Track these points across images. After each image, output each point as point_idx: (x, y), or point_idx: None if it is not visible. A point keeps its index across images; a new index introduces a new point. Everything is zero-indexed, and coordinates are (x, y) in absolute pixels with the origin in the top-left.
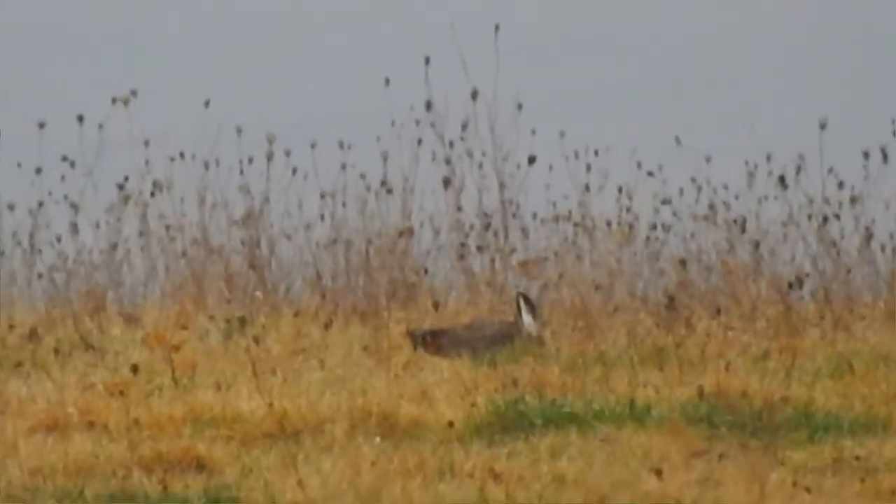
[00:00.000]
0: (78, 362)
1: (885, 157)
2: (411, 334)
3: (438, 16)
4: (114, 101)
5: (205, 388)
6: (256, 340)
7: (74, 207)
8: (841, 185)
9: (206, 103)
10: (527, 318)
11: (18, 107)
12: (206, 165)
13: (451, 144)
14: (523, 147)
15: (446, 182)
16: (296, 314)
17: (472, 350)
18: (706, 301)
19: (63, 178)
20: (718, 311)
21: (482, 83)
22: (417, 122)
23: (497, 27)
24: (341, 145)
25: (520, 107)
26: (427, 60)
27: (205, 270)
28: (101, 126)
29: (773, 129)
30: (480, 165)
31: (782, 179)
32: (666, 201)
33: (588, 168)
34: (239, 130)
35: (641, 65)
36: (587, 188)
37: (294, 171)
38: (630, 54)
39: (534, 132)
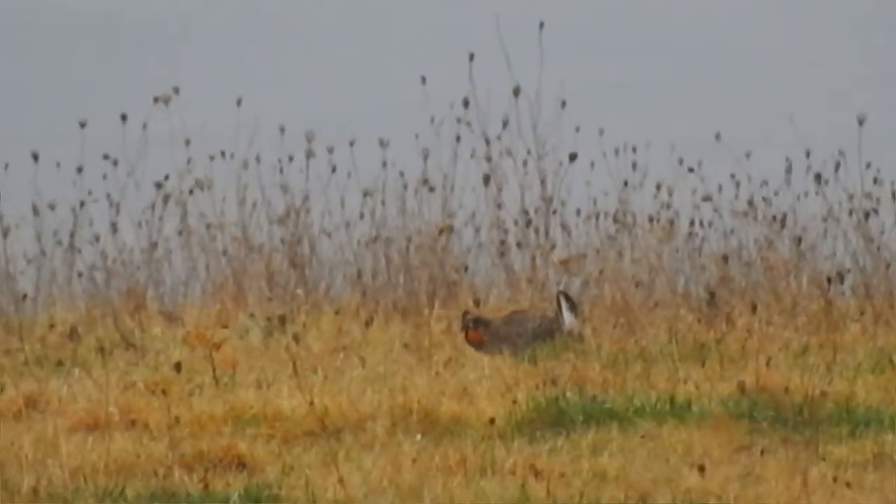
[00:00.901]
0: (119, 361)
1: None
2: (463, 316)
3: (482, 12)
4: (156, 100)
5: (245, 387)
6: (297, 339)
7: (115, 206)
8: (878, 180)
9: (239, 102)
10: (568, 316)
11: (59, 106)
12: (246, 164)
13: (488, 142)
14: (565, 144)
15: (486, 179)
16: (336, 312)
17: (513, 346)
18: (747, 297)
19: (104, 176)
20: (754, 308)
21: (525, 80)
22: (459, 120)
23: (542, 24)
24: (381, 143)
25: (563, 104)
26: (471, 57)
27: (245, 269)
28: (145, 126)
29: (813, 125)
30: (525, 163)
31: (818, 176)
32: (706, 197)
33: (634, 166)
34: (282, 129)
35: (681, 60)
36: (626, 184)
37: (334, 168)
38: (670, 49)
39: (577, 129)
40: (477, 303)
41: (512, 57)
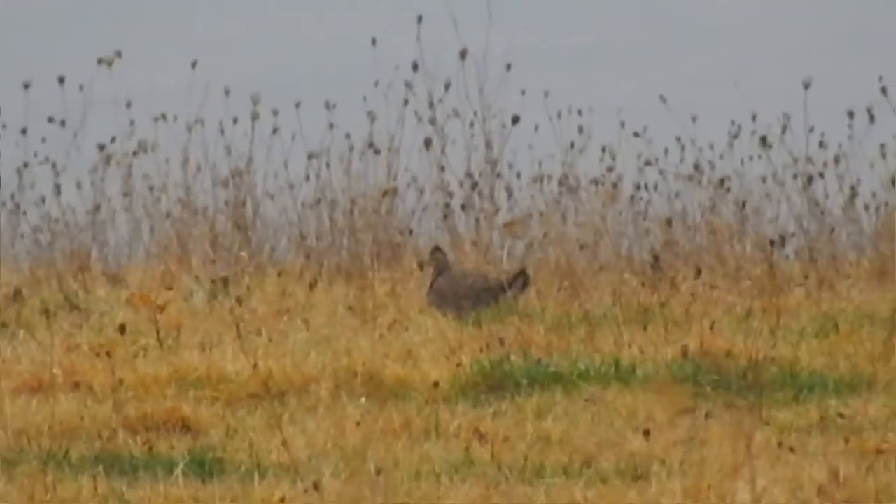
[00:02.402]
0: (63, 323)
1: (871, 116)
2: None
3: None
4: (99, 62)
5: (189, 349)
6: (239, 301)
7: (58, 168)
8: (823, 144)
9: (194, 64)
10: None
11: (3, 68)
12: (190, 126)
13: (432, 105)
14: (511, 107)
15: (428, 142)
16: (279, 274)
17: (457, 308)
18: (691, 260)
19: (47, 139)
20: (699, 272)
21: (473, 43)
22: (407, 84)
23: None
24: (328, 105)
25: (509, 67)
26: (419, 19)
27: (189, 231)
28: (81, 87)
29: (759, 89)
30: (472, 124)
31: (763, 140)
32: (650, 161)
33: (580, 129)
34: (228, 91)
35: (629, 25)
36: (572, 147)
37: (275, 130)
38: (618, 14)
39: (523, 93)
40: (420, 265)
41: (460, 20)
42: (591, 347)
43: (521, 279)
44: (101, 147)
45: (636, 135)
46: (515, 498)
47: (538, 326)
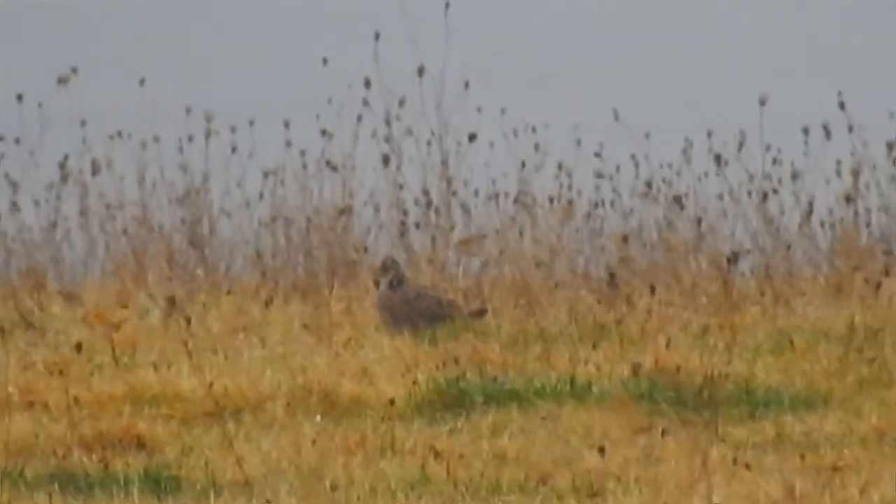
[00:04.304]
0: (18, 341)
1: (827, 133)
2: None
3: None
4: (59, 81)
5: (145, 367)
6: (188, 320)
7: (15, 186)
8: (776, 161)
9: (142, 82)
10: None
11: None
12: (145, 144)
13: (388, 123)
14: (468, 125)
15: (385, 159)
16: (229, 292)
17: (413, 326)
18: (646, 277)
19: (3, 155)
20: (654, 289)
21: (430, 61)
22: (365, 102)
23: (447, 4)
24: (286, 124)
25: (466, 84)
26: (377, 36)
27: (145, 249)
28: (40, 105)
29: (714, 106)
30: (429, 143)
31: (718, 158)
32: (600, 174)
33: (536, 147)
34: (188, 110)
35: (586, 44)
36: (524, 165)
37: (234, 149)
38: (575, 34)
39: (480, 110)
40: (377, 283)
41: (418, 38)
42: (546, 365)
43: (479, 315)
44: (62, 165)
45: (597, 156)
46: None
47: (494, 344)
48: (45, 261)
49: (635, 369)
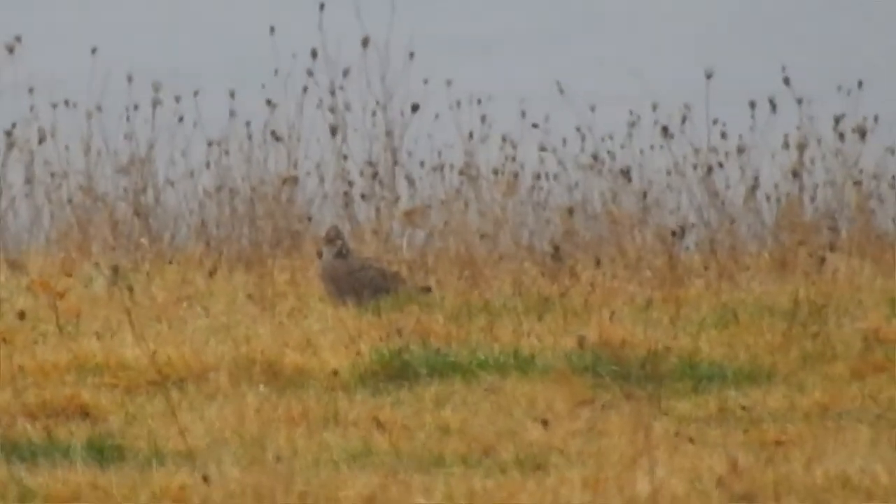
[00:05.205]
0: None
1: (773, 107)
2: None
3: None
4: (6, 49)
5: (89, 336)
6: (132, 289)
7: None
8: (725, 135)
9: (94, 50)
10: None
11: None
12: (90, 114)
13: (333, 93)
14: (413, 96)
15: (333, 130)
16: (172, 261)
17: (357, 297)
18: (591, 250)
19: None
20: (598, 262)
21: (375, 31)
22: (309, 72)
23: None
24: (232, 94)
25: (411, 55)
26: (322, 6)
27: (90, 218)
28: None
29: (660, 78)
30: (374, 113)
31: (665, 130)
32: (543, 148)
33: (483, 119)
34: (129, 78)
35: (531, 13)
36: (471, 137)
37: (180, 119)
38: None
39: (426, 81)
40: (320, 254)
41: (363, 8)
42: (490, 337)
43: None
44: (7, 134)
45: (535, 126)
46: (414, 487)
47: (437, 316)
48: None
49: (579, 342)
